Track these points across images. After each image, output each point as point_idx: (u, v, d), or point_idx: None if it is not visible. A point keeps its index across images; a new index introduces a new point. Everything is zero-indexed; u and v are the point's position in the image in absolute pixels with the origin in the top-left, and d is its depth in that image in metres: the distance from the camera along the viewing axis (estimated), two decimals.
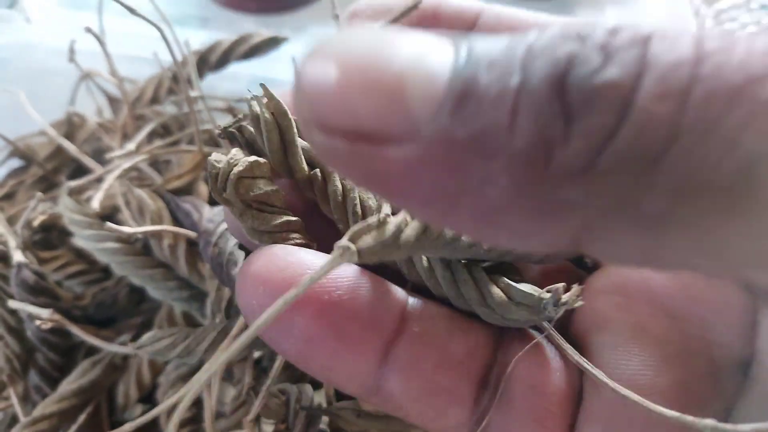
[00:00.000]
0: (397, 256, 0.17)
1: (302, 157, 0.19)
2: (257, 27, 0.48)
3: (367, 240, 0.14)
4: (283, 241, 0.19)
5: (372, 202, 0.19)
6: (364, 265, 0.20)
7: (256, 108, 0.18)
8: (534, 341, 0.19)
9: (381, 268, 0.19)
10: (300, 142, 0.19)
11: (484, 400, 0.18)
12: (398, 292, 0.19)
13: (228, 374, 0.30)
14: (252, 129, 0.19)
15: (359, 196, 0.19)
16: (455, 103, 0.10)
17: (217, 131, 0.20)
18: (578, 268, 0.22)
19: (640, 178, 0.10)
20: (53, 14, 0.43)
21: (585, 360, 0.18)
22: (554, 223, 0.11)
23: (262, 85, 0.19)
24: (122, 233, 0.27)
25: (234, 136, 0.19)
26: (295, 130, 0.19)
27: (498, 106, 0.10)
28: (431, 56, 0.11)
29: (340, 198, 0.19)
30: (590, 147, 0.10)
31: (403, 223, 0.16)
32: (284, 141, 0.19)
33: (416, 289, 0.20)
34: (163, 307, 0.33)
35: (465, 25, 0.22)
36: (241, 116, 0.19)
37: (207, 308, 0.29)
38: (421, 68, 0.11)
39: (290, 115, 0.19)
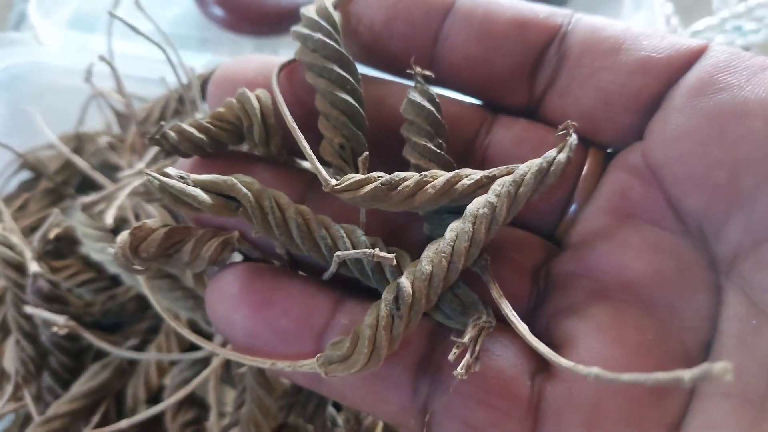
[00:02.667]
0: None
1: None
2: (254, 48, 0.50)
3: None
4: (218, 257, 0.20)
5: None
6: (296, 265, 0.22)
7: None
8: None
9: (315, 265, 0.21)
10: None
11: (422, 386, 0.19)
12: (330, 290, 0.20)
13: (228, 377, 0.33)
14: (174, 135, 0.20)
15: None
16: None
17: (145, 140, 0.22)
18: (548, 242, 0.22)
19: None
20: (64, 37, 0.45)
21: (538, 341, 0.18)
22: None
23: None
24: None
25: (160, 143, 0.21)
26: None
27: None
28: None
29: None
30: None
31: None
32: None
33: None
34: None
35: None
36: (163, 123, 0.21)
37: None
38: None
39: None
